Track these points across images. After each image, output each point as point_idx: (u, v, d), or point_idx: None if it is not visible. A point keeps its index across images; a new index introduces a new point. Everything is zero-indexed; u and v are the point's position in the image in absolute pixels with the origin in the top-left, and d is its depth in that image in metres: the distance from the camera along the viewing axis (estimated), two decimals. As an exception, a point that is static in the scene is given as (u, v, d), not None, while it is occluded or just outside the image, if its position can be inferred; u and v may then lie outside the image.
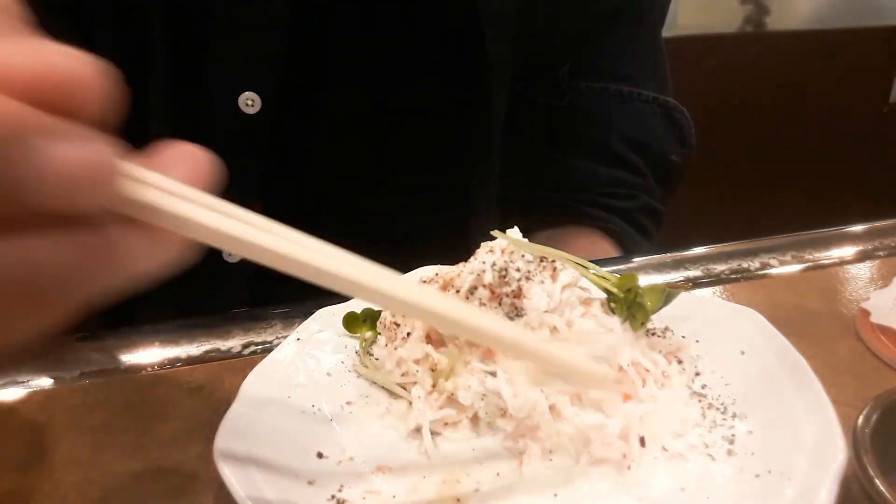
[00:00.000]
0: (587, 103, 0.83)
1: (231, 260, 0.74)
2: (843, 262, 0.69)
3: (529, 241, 0.52)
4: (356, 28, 0.72)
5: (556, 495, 0.41)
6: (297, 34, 0.67)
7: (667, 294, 0.50)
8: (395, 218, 0.79)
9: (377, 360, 0.51)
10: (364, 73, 0.74)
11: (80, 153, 0.24)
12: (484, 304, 0.46)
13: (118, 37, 0.67)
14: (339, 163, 0.77)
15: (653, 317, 0.50)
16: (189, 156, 0.30)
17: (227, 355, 0.57)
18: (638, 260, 0.70)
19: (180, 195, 0.28)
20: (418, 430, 0.45)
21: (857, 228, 0.74)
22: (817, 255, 0.70)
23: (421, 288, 0.38)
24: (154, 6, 0.65)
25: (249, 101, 0.67)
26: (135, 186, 0.27)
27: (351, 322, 0.54)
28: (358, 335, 0.54)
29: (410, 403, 0.47)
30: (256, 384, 0.46)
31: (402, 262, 0.58)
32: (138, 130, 0.75)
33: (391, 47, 0.73)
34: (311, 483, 0.41)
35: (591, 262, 0.52)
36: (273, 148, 0.70)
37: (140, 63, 0.66)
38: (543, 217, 0.83)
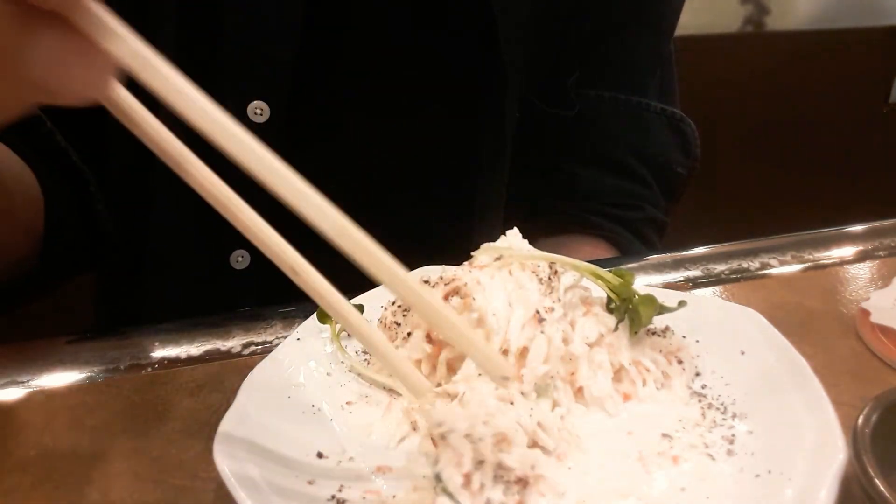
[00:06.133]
0: (595, 113, 0.83)
1: (238, 266, 0.74)
2: (843, 262, 0.69)
3: (532, 245, 0.52)
4: (368, 36, 0.71)
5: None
6: (308, 42, 0.66)
7: (678, 303, 0.50)
8: (400, 220, 0.79)
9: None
10: (376, 80, 0.73)
11: None
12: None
13: None
14: (347, 168, 0.77)
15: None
16: None
17: (227, 355, 0.57)
18: (638, 260, 0.70)
19: None
20: (416, 429, 0.45)
21: (857, 228, 0.74)
22: (817, 255, 0.70)
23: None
24: (164, 14, 0.64)
25: (258, 111, 0.67)
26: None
27: (323, 313, 0.53)
28: (328, 324, 0.53)
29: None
30: (256, 384, 0.46)
31: (404, 261, 0.58)
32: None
33: (404, 55, 0.73)
34: (311, 483, 0.41)
35: (593, 261, 0.52)
36: (281, 156, 0.70)
37: None
38: (548, 224, 0.83)
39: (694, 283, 0.66)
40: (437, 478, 0.39)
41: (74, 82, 0.30)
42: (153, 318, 0.62)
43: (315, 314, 0.53)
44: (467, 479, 0.39)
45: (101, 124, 0.69)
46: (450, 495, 0.39)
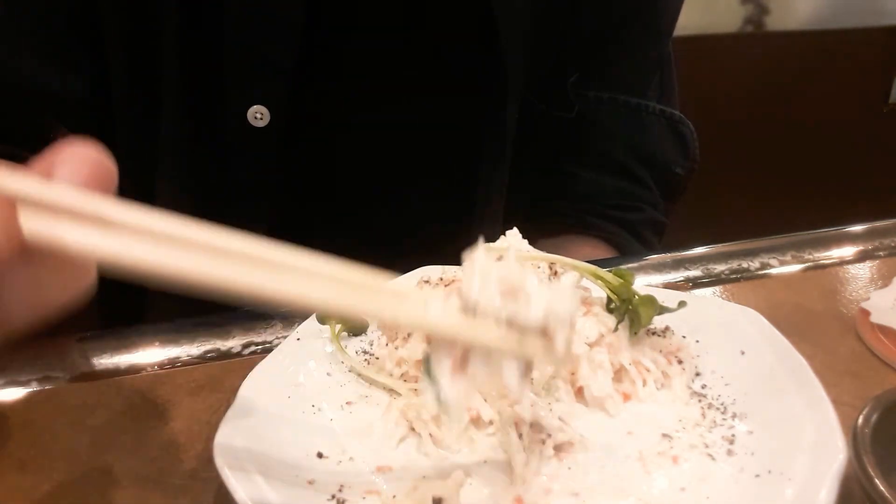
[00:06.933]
0: (594, 114, 0.83)
1: None
2: (843, 262, 0.69)
3: (532, 246, 0.52)
4: (368, 40, 0.71)
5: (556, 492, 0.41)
6: (309, 47, 0.66)
7: (678, 303, 0.50)
8: (401, 221, 0.79)
9: (377, 359, 0.51)
10: (376, 83, 0.73)
11: None
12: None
13: (130, 48, 0.66)
14: (347, 171, 0.77)
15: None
16: (82, 158, 0.31)
17: (227, 355, 0.57)
18: (638, 260, 0.70)
19: (87, 216, 0.29)
20: (415, 429, 0.45)
21: (857, 228, 0.74)
22: (817, 255, 0.70)
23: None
24: (166, 19, 0.65)
25: (258, 115, 0.67)
26: (38, 222, 0.28)
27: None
28: (328, 324, 0.53)
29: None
30: (256, 384, 0.46)
31: (405, 261, 0.58)
32: (148, 140, 0.75)
33: (404, 57, 0.73)
34: (311, 483, 0.41)
35: (593, 261, 0.52)
36: (281, 159, 0.70)
37: (151, 76, 0.66)
38: (548, 225, 0.83)
39: (694, 283, 0.66)
40: (426, 361, 0.37)
41: None
42: (154, 318, 0.62)
43: (315, 314, 0.54)
44: (456, 364, 0.36)
45: (111, 132, 0.69)
46: (431, 377, 0.36)
